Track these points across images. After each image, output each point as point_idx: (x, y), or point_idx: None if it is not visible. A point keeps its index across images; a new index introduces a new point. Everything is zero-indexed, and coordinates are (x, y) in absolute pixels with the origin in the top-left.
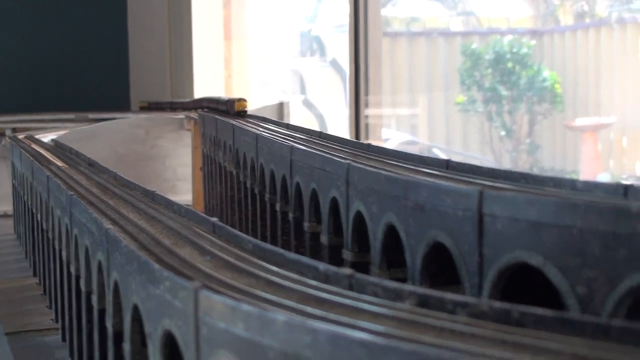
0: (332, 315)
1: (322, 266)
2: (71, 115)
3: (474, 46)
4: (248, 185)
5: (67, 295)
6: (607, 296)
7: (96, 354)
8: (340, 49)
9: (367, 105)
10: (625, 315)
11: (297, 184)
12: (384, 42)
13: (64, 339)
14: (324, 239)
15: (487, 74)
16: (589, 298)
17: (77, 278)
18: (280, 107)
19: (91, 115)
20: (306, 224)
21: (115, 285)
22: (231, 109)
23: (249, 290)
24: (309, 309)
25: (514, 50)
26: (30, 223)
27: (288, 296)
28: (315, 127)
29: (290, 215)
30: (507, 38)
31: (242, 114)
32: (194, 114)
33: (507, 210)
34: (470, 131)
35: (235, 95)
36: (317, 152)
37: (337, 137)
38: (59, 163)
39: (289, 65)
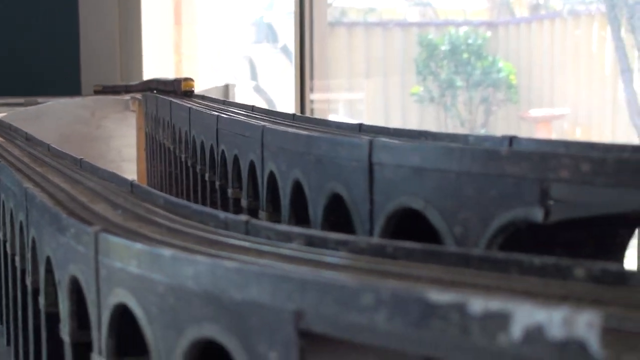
0: (216, 252)
1: (222, 215)
2: (21, 100)
3: (430, 37)
4: (183, 159)
5: None
6: (480, 235)
7: (17, 313)
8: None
9: (312, 90)
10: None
11: (222, 152)
12: (341, 32)
13: None
14: (244, 203)
15: (443, 64)
16: (465, 237)
17: (4, 242)
18: (226, 88)
19: (41, 100)
20: (230, 190)
21: (33, 242)
22: (178, 89)
23: (147, 234)
24: (198, 247)
25: (470, 41)
26: None
27: (184, 239)
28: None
29: (217, 184)
30: (463, 29)
31: (189, 94)
32: (139, 95)
33: (393, 158)
34: (426, 121)
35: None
36: (239, 119)
37: (268, 109)
38: None
39: (241, 52)
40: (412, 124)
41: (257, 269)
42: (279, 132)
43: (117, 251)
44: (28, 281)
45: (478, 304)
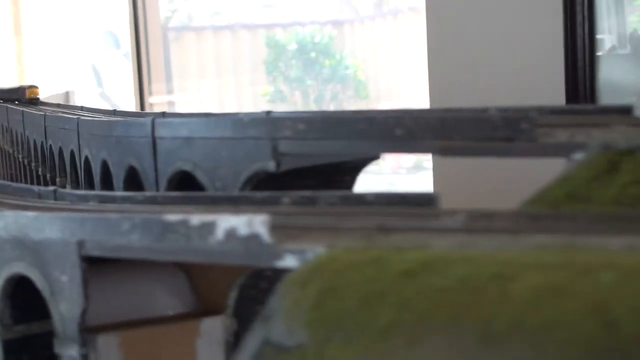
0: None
1: (36, 188)
2: None
3: (277, 37)
4: (21, 159)
5: None
6: (234, 186)
7: None
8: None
9: (151, 93)
10: None
11: (50, 147)
12: (190, 36)
13: None
14: (67, 188)
15: (292, 64)
16: (223, 189)
17: None
18: (67, 95)
19: None
20: (57, 180)
21: None
22: (22, 96)
23: None
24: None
25: (316, 40)
26: None
27: (3, 206)
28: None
29: (48, 176)
30: (309, 28)
31: (34, 102)
32: None
33: (169, 132)
34: None
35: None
36: (58, 115)
37: (94, 108)
38: None
39: (86, 59)
40: None
41: (50, 215)
42: (89, 122)
43: None
44: None
45: (196, 219)
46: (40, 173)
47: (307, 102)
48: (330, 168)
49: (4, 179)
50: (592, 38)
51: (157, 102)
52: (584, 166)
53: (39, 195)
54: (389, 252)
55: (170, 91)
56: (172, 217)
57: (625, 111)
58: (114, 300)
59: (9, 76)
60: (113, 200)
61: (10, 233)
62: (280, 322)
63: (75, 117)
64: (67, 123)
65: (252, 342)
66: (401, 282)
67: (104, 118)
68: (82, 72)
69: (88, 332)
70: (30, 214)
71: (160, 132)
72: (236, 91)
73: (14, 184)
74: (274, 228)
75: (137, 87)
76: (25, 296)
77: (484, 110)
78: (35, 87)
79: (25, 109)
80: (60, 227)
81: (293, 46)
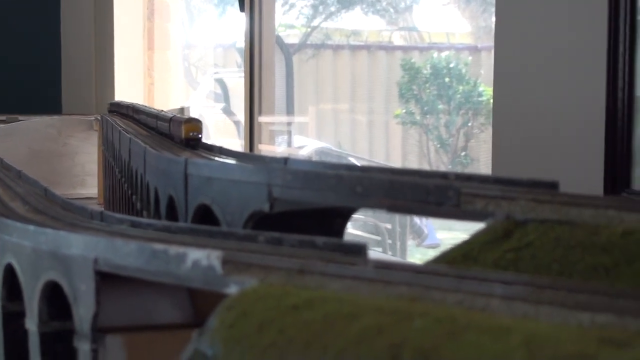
0: (64, 227)
1: (90, 209)
2: (2, 117)
3: (413, 60)
4: (117, 174)
5: None
6: (240, 221)
7: None
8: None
9: (260, 113)
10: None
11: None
12: (327, 54)
13: None
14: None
15: (426, 88)
16: (232, 223)
17: None
18: (182, 111)
19: (22, 118)
20: (138, 203)
21: None
22: (176, 132)
23: (32, 219)
24: (61, 227)
25: (451, 65)
26: None
27: (59, 223)
28: (234, 132)
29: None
30: (445, 53)
31: (193, 144)
32: (99, 116)
33: (197, 171)
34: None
35: (158, 101)
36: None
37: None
38: None
39: (212, 75)
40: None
41: (77, 235)
42: (152, 154)
43: (7, 229)
44: None
45: (174, 249)
46: (130, 195)
47: (437, 126)
48: (323, 212)
49: (107, 189)
50: (632, 97)
51: (265, 122)
52: (484, 232)
53: (91, 215)
54: (292, 289)
55: (290, 112)
56: (158, 246)
57: (551, 186)
58: (125, 307)
59: (137, 87)
60: (140, 225)
61: (48, 246)
62: (208, 336)
63: (143, 147)
64: (169, 163)
65: (189, 349)
66: (287, 313)
67: (159, 152)
68: (210, 87)
69: (99, 331)
70: (63, 232)
71: (191, 170)
72: (368, 111)
73: (76, 203)
74: (225, 262)
75: (248, 105)
76: (60, 299)
77: (444, 176)
78: (196, 121)
79: (122, 129)
80: (82, 245)
81: (428, 70)
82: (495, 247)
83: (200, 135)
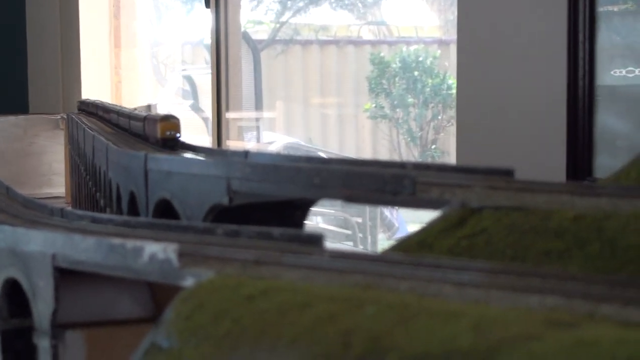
0: (25, 225)
1: (50, 206)
2: None
3: (382, 54)
4: (82, 171)
5: None
6: (200, 214)
7: None
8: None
9: (227, 109)
10: None
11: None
12: (296, 49)
13: None
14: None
15: (395, 82)
16: (191, 216)
17: None
18: (149, 108)
19: None
20: (102, 200)
21: None
22: (151, 132)
23: None
24: (19, 223)
25: (420, 58)
26: None
27: (19, 221)
28: (203, 129)
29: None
30: (414, 47)
31: (171, 144)
32: (65, 115)
33: (157, 166)
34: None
35: (125, 99)
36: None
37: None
38: None
39: (181, 72)
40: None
41: (35, 232)
42: (115, 150)
43: None
44: None
45: (130, 243)
46: (94, 193)
47: (407, 120)
48: (283, 204)
49: (73, 187)
50: (592, 86)
51: (233, 118)
52: (440, 219)
53: (51, 212)
54: (247, 280)
55: (259, 108)
56: (115, 240)
57: (506, 173)
58: (84, 303)
59: (105, 87)
60: (100, 221)
61: (7, 244)
62: (164, 328)
63: (105, 144)
64: (99, 146)
65: (146, 341)
66: (242, 303)
67: (120, 148)
68: (178, 85)
69: (59, 327)
70: (21, 229)
71: (151, 165)
72: (338, 106)
73: (37, 200)
74: (182, 255)
75: (215, 101)
76: (19, 296)
77: (402, 165)
78: (174, 119)
79: (86, 126)
80: (40, 242)
81: (397, 63)
82: (450, 234)
83: (178, 135)
